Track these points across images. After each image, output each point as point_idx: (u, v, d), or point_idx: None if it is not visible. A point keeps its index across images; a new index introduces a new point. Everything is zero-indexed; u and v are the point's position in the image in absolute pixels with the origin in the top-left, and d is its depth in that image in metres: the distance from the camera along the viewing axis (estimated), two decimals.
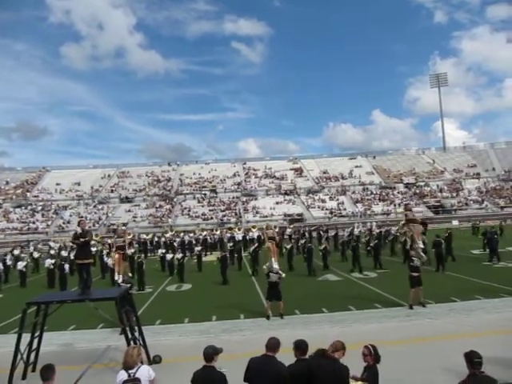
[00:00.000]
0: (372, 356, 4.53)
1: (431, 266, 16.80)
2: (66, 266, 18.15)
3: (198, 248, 23.17)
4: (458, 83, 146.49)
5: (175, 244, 27.82)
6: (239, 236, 29.53)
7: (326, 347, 4.54)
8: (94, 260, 21.72)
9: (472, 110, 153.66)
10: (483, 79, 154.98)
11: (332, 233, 29.54)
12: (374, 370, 4.51)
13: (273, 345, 4.54)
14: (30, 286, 19.05)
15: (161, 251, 23.85)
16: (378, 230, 26.72)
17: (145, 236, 33.87)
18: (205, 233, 33.08)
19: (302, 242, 20.99)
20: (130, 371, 4.56)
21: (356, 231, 27.81)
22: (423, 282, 11.53)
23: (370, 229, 27.23)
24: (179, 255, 19.12)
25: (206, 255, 26.23)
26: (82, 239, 8.35)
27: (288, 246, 21.23)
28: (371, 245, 20.64)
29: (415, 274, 11.42)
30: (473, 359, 4.18)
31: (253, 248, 21.16)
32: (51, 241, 28.79)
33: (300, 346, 4.54)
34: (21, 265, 19.70)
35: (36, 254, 25.68)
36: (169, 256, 20.70)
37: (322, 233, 26.52)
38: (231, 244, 24.19)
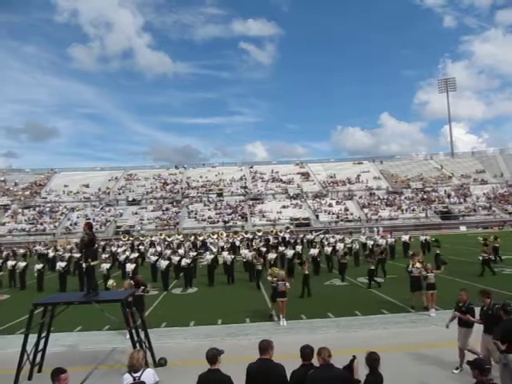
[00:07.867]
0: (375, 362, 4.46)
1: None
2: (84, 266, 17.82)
3: (194, 253, 21.06)
4: (468, 86, 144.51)
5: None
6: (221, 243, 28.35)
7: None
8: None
9: (482, 114, 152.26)
10: (495, 82, 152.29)
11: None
12: (378, 379, 4.44)
13: (264, 346, 4.53)
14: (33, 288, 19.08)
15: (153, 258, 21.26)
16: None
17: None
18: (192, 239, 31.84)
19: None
20: (134, 374, 4.57)
21: (362, 238, 27.82)
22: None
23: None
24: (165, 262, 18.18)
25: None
26: (86, 241, 8.27)
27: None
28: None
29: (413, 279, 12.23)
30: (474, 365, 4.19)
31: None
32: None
33: (304, 352, 4.53)
34: (38, 266, 19.45)
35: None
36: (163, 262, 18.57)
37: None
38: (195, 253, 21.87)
